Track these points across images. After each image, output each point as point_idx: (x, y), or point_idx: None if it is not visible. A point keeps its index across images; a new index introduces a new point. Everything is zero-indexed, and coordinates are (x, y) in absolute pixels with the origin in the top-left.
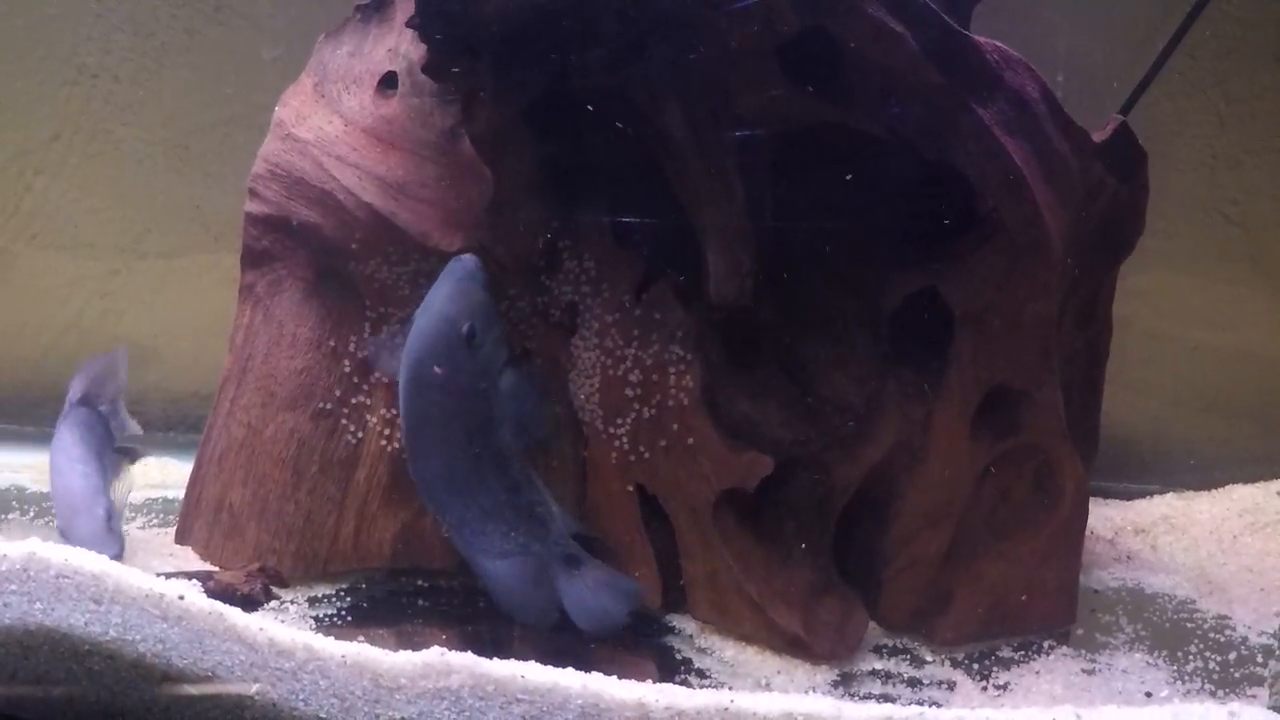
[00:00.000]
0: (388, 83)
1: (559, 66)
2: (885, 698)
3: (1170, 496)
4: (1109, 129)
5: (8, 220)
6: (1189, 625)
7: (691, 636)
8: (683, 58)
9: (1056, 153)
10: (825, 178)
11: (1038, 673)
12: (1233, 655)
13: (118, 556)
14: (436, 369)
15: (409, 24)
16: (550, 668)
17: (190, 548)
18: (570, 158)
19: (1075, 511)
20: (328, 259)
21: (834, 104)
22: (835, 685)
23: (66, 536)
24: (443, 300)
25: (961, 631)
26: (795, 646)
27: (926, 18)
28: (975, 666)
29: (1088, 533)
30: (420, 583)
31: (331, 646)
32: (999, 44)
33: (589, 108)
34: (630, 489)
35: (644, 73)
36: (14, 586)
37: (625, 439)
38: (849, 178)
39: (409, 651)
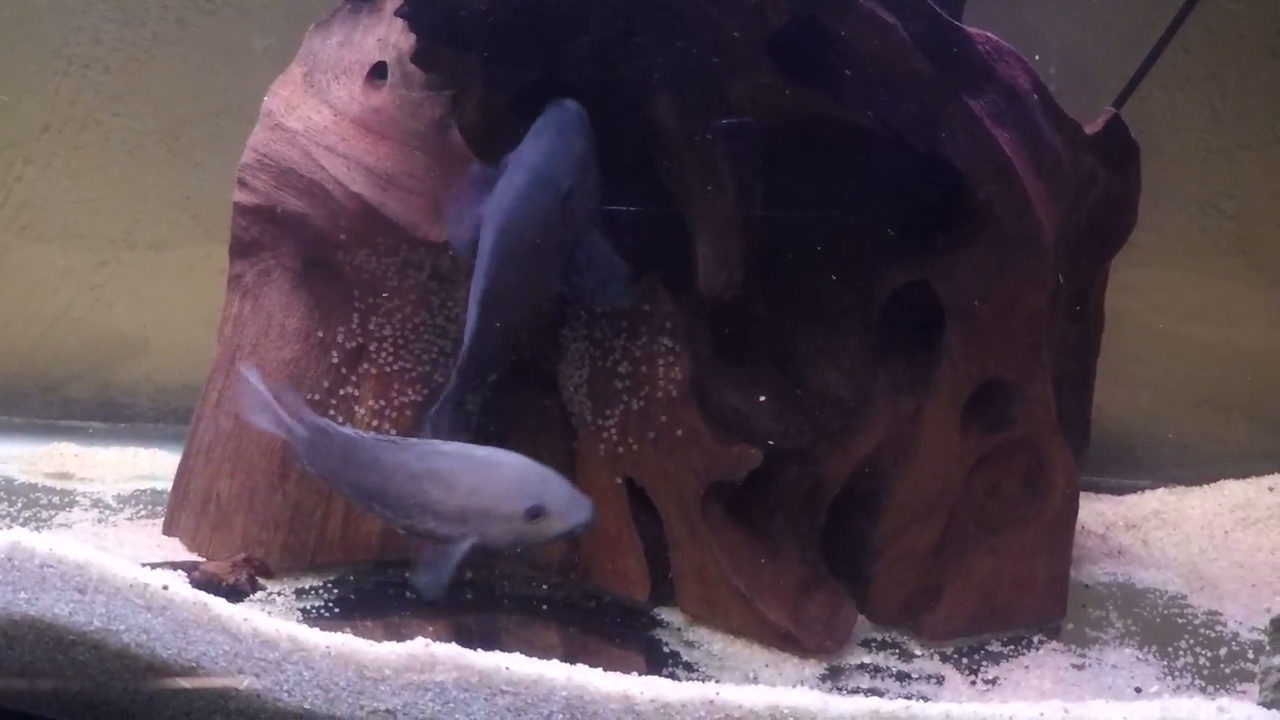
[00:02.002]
0: (377, 73)
1: (549, 56)
2: (874, 692)
3: (1162, 491)
4: (1101, 121)
5: None
6: (1180, 620)
7: (679, 630)
8: (673, 48)
9: (1048, 144)
10: (816, 169)
11: (1027, 667)
12: (1223, 651)
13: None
14: (525, 234)
15: (399, 13)
16: (536, 659)
17: (178, 539)
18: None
19: (1066, 506)
20: (316, 249)
21: (825, 95)
22: (824, 679)
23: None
24: (542, 155)
25: (951, 626)
26: (784, 640)
27: (918, 9)
28: (964, 661)
29: (1079, 527)
30: (407, 575)
31: (316, 637)
32: (991, 35)
33: (578, 98)
34: (618, 481)
35: (634, 63)
36: None
37: (614, 431)
38: (840, 169)
39: (394, 643)
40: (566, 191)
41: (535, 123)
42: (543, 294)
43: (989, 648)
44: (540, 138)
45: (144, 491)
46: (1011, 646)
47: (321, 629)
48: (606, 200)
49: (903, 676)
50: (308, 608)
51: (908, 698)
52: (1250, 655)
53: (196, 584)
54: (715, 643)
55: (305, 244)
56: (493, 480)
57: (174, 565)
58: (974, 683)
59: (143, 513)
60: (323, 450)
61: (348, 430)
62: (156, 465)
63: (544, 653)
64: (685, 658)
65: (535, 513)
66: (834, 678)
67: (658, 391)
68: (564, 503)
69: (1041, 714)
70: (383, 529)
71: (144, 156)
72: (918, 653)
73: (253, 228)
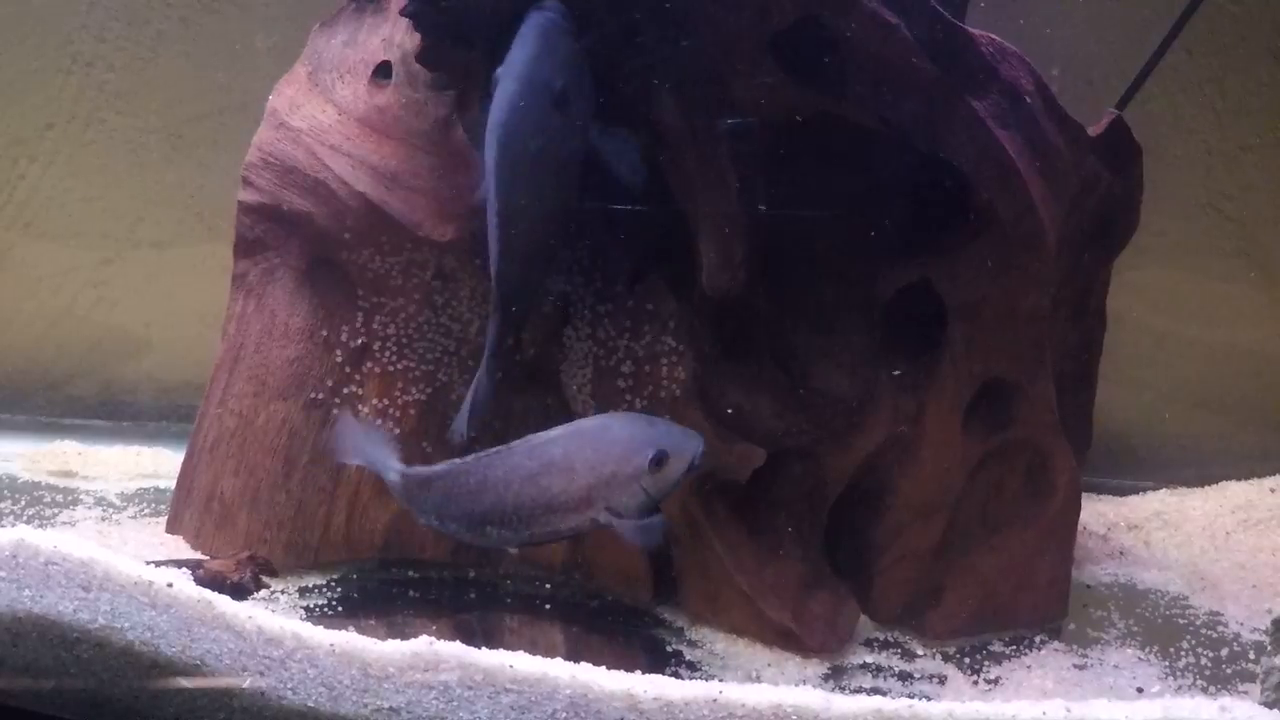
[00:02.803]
0: (382, 72)
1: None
2: (876, 691)
3: (1164, 492)
4: (1104, 123)
5: (1, 209)
6: (1181, 621)
7: (682, 629)
8: (676, 47)
9: (1050, 145)
10: (819, 169)
11: (1029, 667)
12: (1225, 651)
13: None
14: (528, 142)
15: (403, 12)
16: (539, 658)
17: (181, 537)
18: None
19: (1068, 506)
20: (320, 248)
21: (828, 94)
22: (826, 678)
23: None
24: (528, 60)
25: (953, 625)
26: (786, 639)
27: (921, 9)
28: (966, 660)
29: (1081, 528)
30: (411, 573)
31: (320, 635)
32: (994, 36)
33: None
34: None
35: (638, 61)
36: (3, 573)
37: None
38: (843, 169)
39: (397, 641)
40: (560, 93)
41: (518, 32)
42: (564, 206)
43: (991, 647)
44: (523, 44)
45: (147, 490)
46: (1013, 646)
47: (325, 627)
48: (612, 198)
49: (905, 676)
50: (311, 606)
51: (910, 697)
52: (1251, 656)
53: (200, 582)
54: (718, 642)
55: (309, 243)
56: (609, 445)
57: (178, 563)
58: (976, 682)
59: (146, 511)
60: (419, 495)
61: (440, 466)
62: (160, 463)
63: (548, 652)
64: (688, 657)
65: (659, 459)
66: (836, 677)
67: (661, 391)
68: (679, 439)
69: (1044, 713)
70: (387, 526)
71: (148, 155)
72: (920, 652)
73: (257, 226)
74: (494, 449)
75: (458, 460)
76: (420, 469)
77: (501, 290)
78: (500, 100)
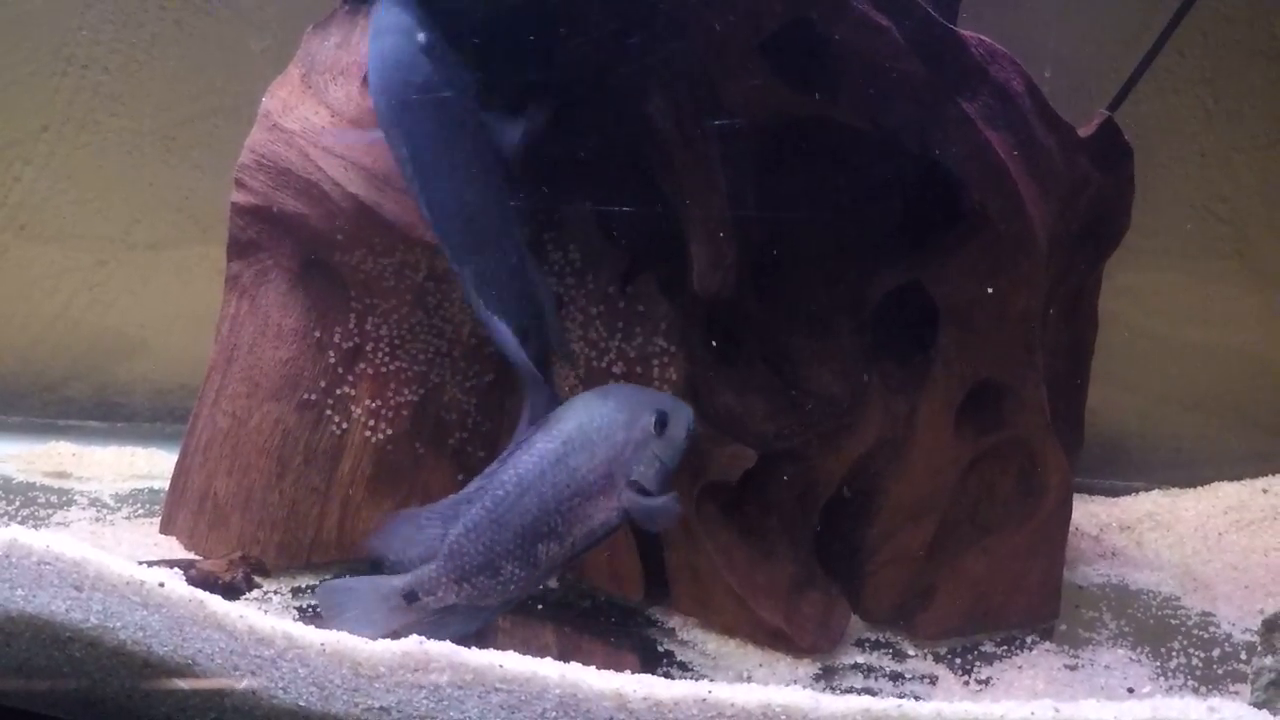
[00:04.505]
0: None
1: (544, 57)
2: (867, 691)
3: (1156, 493)
4: (1095, 124)
5: None
6: (1173, 622)
7: (674, 629)
8: (667, 49)
9: (1041, 146)
10: (810, 171)
11: (1020, 668)
12: (1216, 652)
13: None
14: (409, 79)
15: None
16: (529, 657)
17: (175, 537)
18: (555, 148)
19: (1059, 507)
20: (313, 249)
21: (819, 96)
22: (817, 679)
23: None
24: (388, 13)
25: (944, 626)
26: (777, 639)
27: (911, 11)
28: (958, 661)
29: (1073, 529)
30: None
31: (311, 635)
32: (984, 38)
33: (573, 99)
34: None
35: (628, 64)
36: None
37: None
38: (833, 171)
39: (388, 640)
40: (428, 42)
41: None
42: (484, 149)
43: (982, 648)
44: (380, 9)
45: (141, 490)
46: (1005, 647)
47: (317, 627)
48: (603, 201)
49: (896, 676)
50: (304, 606)
51: (901, 697)
52: (1243, 656)
53: (193, 582)
54: (709, 642)
55: (302, 244)
56: (614, 412)
57: (170, 563)
58: (967, 683)
59: (140, 511)
60: (472, 542)
61: (469, 487)
62: (154, 464)
63: (539, 652)
64: (679, 657)
65: (663, 420)
66: (827, 678)
67: None
68: (671, 402)
69: (1032, 713)
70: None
71: (142, 157)
72: (911, 653)
73: (250, 228)
74: (510, 447)
75: (477, 479)
76: (450, 505)
77: (450, 246)
78: (371, 56)
